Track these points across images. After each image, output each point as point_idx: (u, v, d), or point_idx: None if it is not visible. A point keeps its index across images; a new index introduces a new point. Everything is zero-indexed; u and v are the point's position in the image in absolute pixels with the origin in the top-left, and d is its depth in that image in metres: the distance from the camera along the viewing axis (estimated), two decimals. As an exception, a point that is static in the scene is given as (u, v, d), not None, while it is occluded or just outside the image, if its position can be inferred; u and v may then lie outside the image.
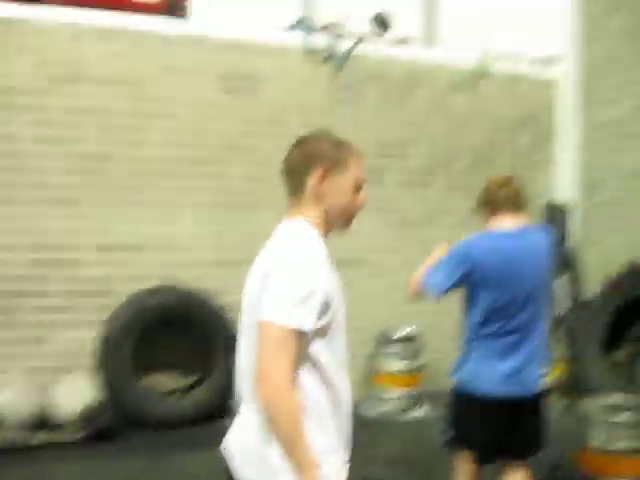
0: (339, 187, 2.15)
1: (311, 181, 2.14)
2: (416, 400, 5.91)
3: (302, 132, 6.48)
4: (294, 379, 1.93)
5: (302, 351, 1.96)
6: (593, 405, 4.24)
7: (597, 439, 4.04)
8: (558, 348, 6.41)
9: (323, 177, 2.13)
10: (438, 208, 6.48)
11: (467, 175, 6.53)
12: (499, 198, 3.45)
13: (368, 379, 6.07)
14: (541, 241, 3.52)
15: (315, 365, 2.01)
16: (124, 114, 5.55)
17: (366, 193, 2.23)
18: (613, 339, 5.80)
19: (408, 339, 5.93)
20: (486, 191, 3.54)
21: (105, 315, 5.37)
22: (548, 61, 6.82)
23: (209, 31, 5.71)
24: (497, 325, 3.30)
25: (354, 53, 6.07)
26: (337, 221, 2.20)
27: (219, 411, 5.54)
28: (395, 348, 5.89)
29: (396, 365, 5.88)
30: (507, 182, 3.51)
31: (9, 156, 5.30)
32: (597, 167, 6.52)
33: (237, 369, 2.17)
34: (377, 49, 6.21)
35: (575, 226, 6.69)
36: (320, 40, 5.99)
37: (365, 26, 6.22)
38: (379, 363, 5.91)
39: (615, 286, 5.78)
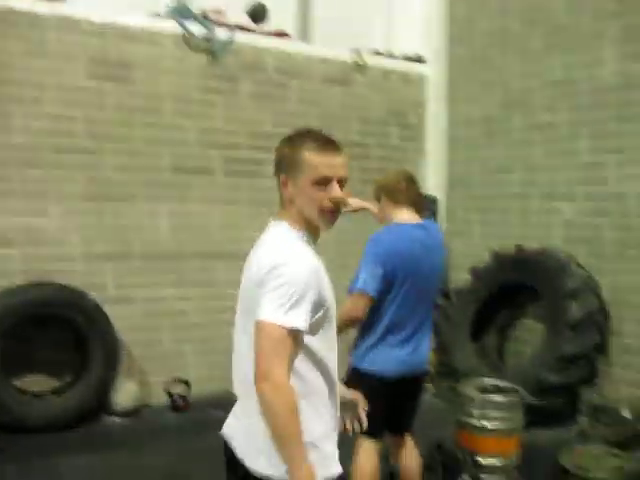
0: (300, 188, 2.20)
1: (280, 186, 2.27)
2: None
3: (177, 121, 6.31)
4: (291, 374, 2.07)
5: (299, 346, 2.10)
6: (467, 388, 4.44)
7: (471, 420, 4.26)
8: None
9: (285, 182, 2.24)
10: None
11: (340, 168, 6.63)
12: (408, 192, 3.54)
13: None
14: (439, 235, 3.67)
15: (311, 354, 2.16)
16: (-14, 98, 5.17)
17: (336, 187, 2.21)
18: (480, 327, 6.09)
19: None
20: (393, 182, 3.60)
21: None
22: (417, 59, 7.04)
23: (81, 14, 5.40)
24: (402, 315, 3.43)
25: (231, 43, 5.99)
26: (313, 220, 2.23)
27: (96, 412, 5.33)
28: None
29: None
30: (414, 179, 3.63)
31: None
32: (463, 162, 6.81)
33: (234, 363, 2.29)
34: (253, 40, 6.15)
35: (442, 218, 6.98)
36: (196, 28, 5.85)
37: (241, 16, 6.14)
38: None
39: (481, 276, 6.07)
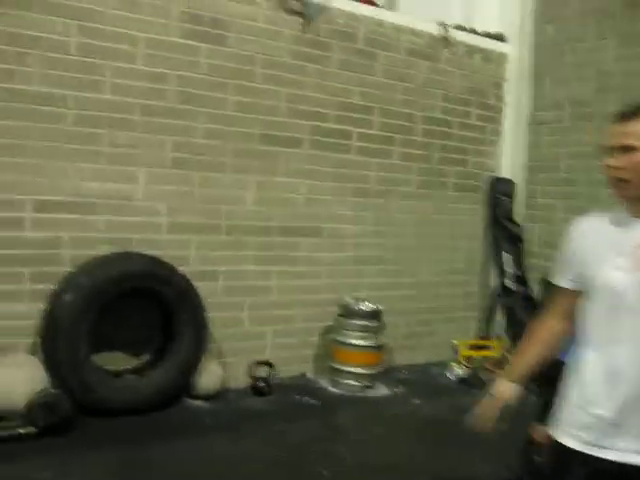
0: None
1: None
2: (377, 377, 5.66)
3: (268, 88, 5.92)
4: (548, 322, 2.43)
5: (570, 300, 2.33)
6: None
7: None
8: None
9: None
10: (394, 178, 6.22)
11: (422, 146, 6.34)
12: None
13: (328, 353, 5.74)
14: None
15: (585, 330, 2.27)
16: (73, 49, 4.69)
17: (607, 159, 2.16)
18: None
19: (373, 314, 5.63)
20: None
21: (49, 285, 4.60)
22: (498, 37, 6.76)
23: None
24: None
25: (325, 7, 5.63)
26: None
27: (177, 395, 4.94)
28: (359, 323, 5.58)
29: (359, 340, 5.58)
30: None
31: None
32: (546, 145, 6.55)
33: None
34: (346, 6, 5.79)
35: (520, 202, 6.75)
36: (291, -11, 5.49)
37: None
38: (341, 337, 5.59)
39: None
